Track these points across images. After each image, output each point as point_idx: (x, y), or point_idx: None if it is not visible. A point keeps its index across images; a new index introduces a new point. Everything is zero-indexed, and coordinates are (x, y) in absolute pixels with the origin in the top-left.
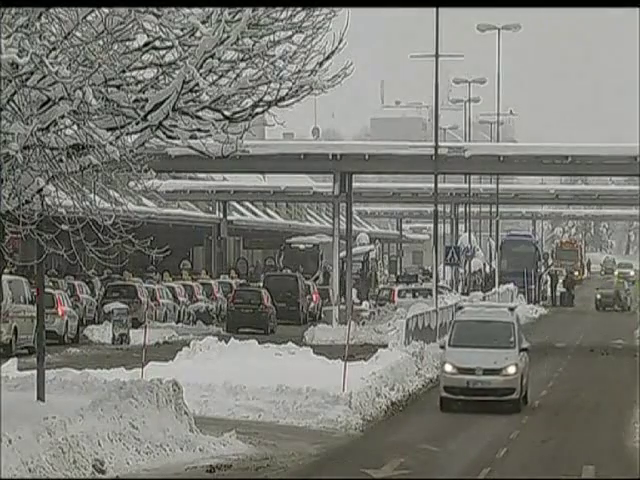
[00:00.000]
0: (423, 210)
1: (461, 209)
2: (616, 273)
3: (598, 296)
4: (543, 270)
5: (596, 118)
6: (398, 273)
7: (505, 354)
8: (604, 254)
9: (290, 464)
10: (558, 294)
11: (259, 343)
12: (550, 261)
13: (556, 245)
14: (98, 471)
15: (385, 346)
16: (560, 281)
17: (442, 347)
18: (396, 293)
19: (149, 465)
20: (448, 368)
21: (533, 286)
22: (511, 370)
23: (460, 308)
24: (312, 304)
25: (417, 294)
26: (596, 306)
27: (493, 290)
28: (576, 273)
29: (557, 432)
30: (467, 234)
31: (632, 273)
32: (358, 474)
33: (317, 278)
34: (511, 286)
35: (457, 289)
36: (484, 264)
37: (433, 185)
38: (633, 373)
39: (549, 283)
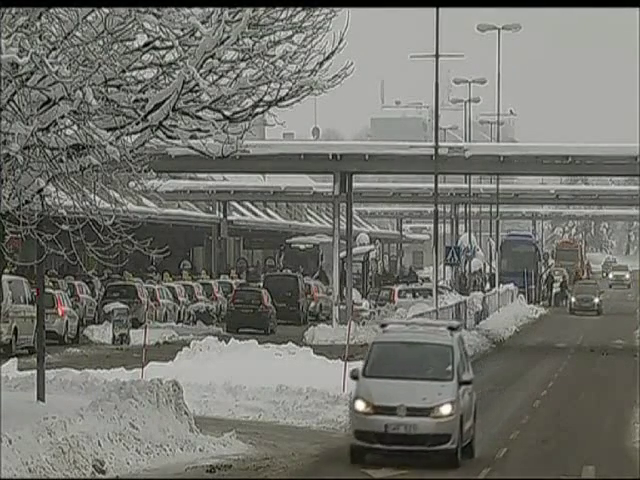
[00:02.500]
0: (423, 210)
1: (461, 209)
2: (610, 276)
3: (573, 299)
4: (543, 270)
5: (596, 118)
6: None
7: (439, 388)
8: (604, 254)
9: (290, 464)
10: (553, 294)
11: (259, 343)
12: (550, 261)
13: (556, 245)
14: (98, 471)
15: None
16: (560, 281)
17: (354, 377)
18: (396, 293)
19: (149, 465)
20: (360, 406)
21: (533, 286)
22: (445, 410)
23: (383, 326)
24: (313, 303)
25: (417, 294)
26: (570, 310)
27: (493, 290)
28: (576, 273)
29: (557, 432)
30: (467, 234)
31: (627, 276)
32: (358, 474)
33: (317, 278)
34: (511, 286)
35: (450, 288)
36: (484, 264)
37: (433, 185)
38: (633, 373)
39: (547, 283)
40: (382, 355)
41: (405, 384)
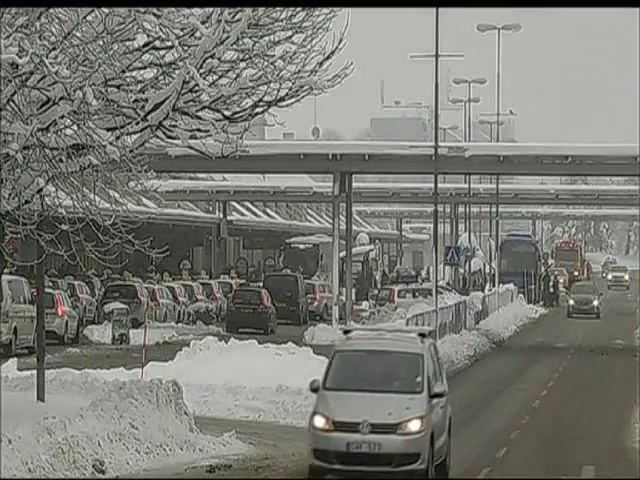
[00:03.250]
0: (423, 210)
1: (461, 209)
2: (609, 277)
3: (571, 302)
4: (543, 270)
5: (596, 118)
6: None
7: (407, 402)
8: (604, 254)
9: (290, 464)
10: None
11: (259, 343)
12: (550, 261)
13: (556, 245)
14: (98, 471)
15: None
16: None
17: (314, 389)
18: (396, 293)
19: (149, 465)
20: (319, 422)
21: (533, 286)
22: (414, 426)
23: (346, 332)
24: (316, 303)
25: (417, 294)
26: (568, 313)
27: (493, 290)
28: (576, 273)
29: (557, 432)
30: (467, 234)
31: (626, 277)
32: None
33: (309, 278)
34: (511, 286)
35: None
36: (484, 264)
37: (433, 185)
38: (633, 373)
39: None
40: (344, 365)
41: (369, 398)
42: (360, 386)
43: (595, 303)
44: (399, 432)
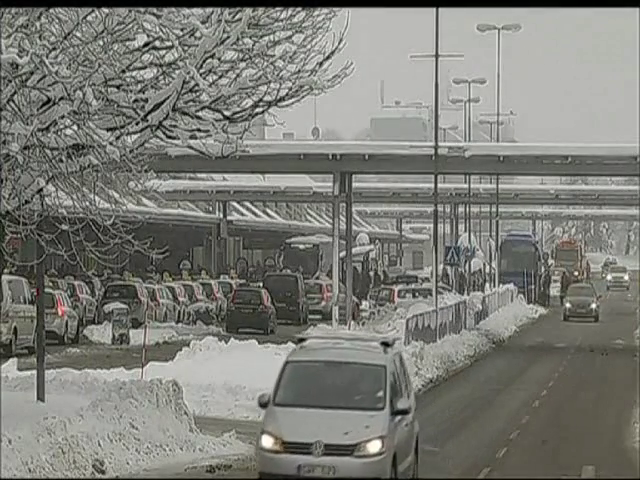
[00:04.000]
0: (423, 210)
1: (461, 209)
2: (609, 278)
3: (568, 305)
4: (543, 270)
5: (596, 118)
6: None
7: (366, 420)
8: (604, 254)
9: None
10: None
11: (259, 343)
12: (550, 261)
13: (556, 245)
14: (98, 471)
15: None
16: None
17: (262, 404)
18: (396, 293)
19: (149, 465)
20: (267, 442)
21: (533, 286)
22: (373, 447)
23: (300, 341)
24: (324, 303)
25: (417, 294)
26: (564, 317)
27: (493, 290)
28: (576, 273)
29: (557, 432)
30: (467, 234)
31: (626, 278)
32: None
33: (317, 278)
34: (511, 286)
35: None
36: (484, 264)
37: (433, 185)
38: (633, 373)
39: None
40: (297, 378)
41: (324, 415)
42: (314, 402)
43: (593, 306)
44: (357, 454)
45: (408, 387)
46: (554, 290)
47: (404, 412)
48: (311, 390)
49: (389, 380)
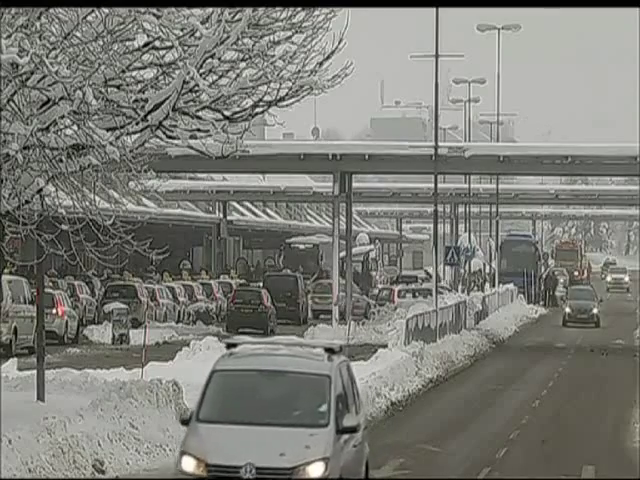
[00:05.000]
0: (423, 210)
1: (461, 209)
2: (608, 279)
3: (567, 309)
4: (543, 270)
5: (596, 118)
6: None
7: (307, 439)
8: (604, 254)
9: None
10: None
11: None
12: (550, 261)
13: (556, 245)
14: (98, 471)
15: (385, 346)
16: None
17: (184, 421)
18: (396, 293)
19: (149, 465)
20: (189, 465)
21: (533, 286)
22: (315, 471)
23: (230, 346)
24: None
25: (417, 294)
26: (564, 322)
27: (493, 290)
28: (576, 273)
29: (557, 432)
30: (467, 234)
31: (626, 279)
32: None
33: (317, 278)
34: (511, 286)
35: (450, 288)
36: (484, 264)
37: (433, 185)
38: (633, 373)
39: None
40: (225, 390)
41: (257, 433)
42: (245, 417)
43: (595, 311)
44: (295, 479)
45: (357, 401)
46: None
47: (352, 430)
48: (241, 404)
49: (334, 392)
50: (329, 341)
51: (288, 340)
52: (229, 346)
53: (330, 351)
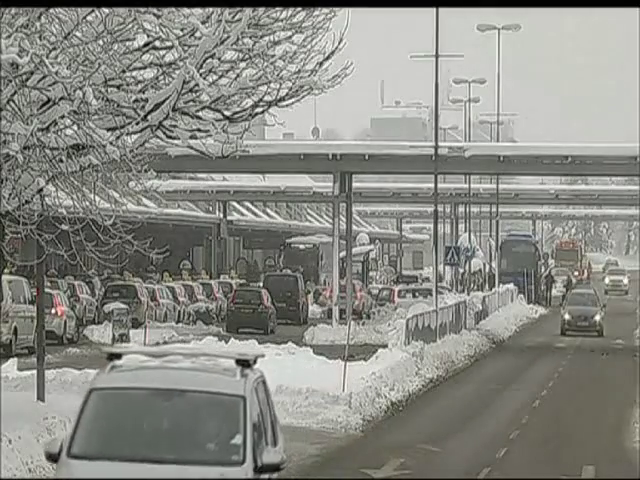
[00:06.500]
0: (423, 210)
1: (461, 209)
2: (607, 281)
3: (566, 316)
4: (543, 270)
5: (596, 118)
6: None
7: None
8: (604, 254)
9: (290, 464)
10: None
11: (259, 343)
12: (550, 261)
13: (556, 245)
14: None
15: (385, 346)
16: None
17: (50, 456)
18: (396, 293)
19: None
20: None
21: (533, 286)
22: None
23: (113, 357)
24: (357, 302)
25: (417, 294)
26: (562, 330)
27: (493, 290)
28: (576, 273)
29: (557, 432)
30: (467, 234)
31: (625, 281)
32: (358, 474)
33: (318, 278)
34: (511, 286)
35: (450, 288)
36: (484, 264)
37: (433, 185)
38: (633, 373)
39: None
40: (105, 415)
41: (148, 473)
42: (131, 452)
43: (597, 318)
44: None
45: (276, 429)
46: (555, 290)
47: (274, 468)
48: (127, 434)
49: (250, 419)
50: (242, 353)
51: (188, 349)
52: (111, 357)
53: (243, 364)
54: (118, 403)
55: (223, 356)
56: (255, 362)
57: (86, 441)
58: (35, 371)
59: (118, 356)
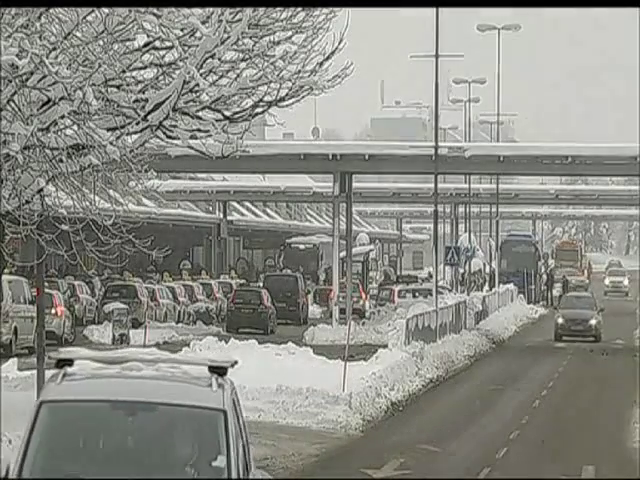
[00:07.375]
0: (423, 210)
1: (461, 209)
2: (607, 282)
3: (560, 320)
4: (543, 270)
5: (596, 118)
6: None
7: None
8: (605, 254)
9: (290, 464)
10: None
11: (259, 343)
12: (550, 261)
13: (556, 245)
14: None
15: (385, 346)
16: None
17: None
18: (396, 293)
19: None
20: None
21: (533, 286)
22: None
23: (63, 363)
24: (361, 302)
25: (417, 294)
26: (555, 335)
27: (493, 290)
28: (578, 276)
29: (557, 432)
30: (467, 234)
31: (625, 282)
32: (358, 474)
33: (318, 278)
34: (511, 286)
35: (450, 288)
36: (484, 264)
37: (433, 185)
38: (633, 373)
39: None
40: (59, 433)
41: None
42: (91, 476)
43: (593, 322)
44: None
45: (247, 447)
46: (555, 291)
47: None
48: (86, 456)
49: (233, 436)
50: (214, 360)
51: (149, 354)
52: (60, 363)
53: (218, 372)
54: (73, 418)
55: (192, 362)
56: (232, 367)
57: (36, 464)
58: (35, 371)
59: (69, 362)
